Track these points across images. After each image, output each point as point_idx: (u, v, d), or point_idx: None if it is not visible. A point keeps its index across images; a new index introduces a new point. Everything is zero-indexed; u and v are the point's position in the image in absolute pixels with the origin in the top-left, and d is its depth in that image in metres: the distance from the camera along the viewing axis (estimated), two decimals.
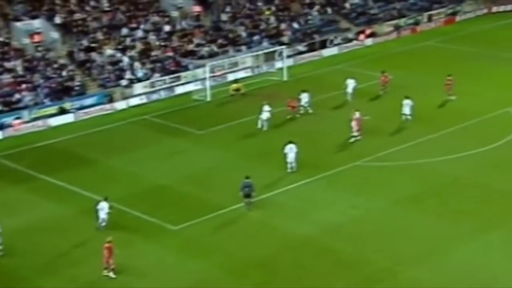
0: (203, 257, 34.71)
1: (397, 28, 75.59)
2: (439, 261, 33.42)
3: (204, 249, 35.40)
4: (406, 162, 44.04)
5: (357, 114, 47.18)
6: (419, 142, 46.86)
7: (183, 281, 32.77)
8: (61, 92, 55.91)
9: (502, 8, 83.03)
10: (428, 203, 39.04)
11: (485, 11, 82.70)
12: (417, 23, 77.30)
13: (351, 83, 55.07)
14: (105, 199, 37.19)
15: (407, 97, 49.89)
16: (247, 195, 38.42)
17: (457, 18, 79.95)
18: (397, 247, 34.78)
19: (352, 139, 46.86)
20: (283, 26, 70.85)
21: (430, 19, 78.25)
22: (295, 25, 71.79)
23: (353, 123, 46.93)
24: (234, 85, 57.82)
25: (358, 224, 37.25)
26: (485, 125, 49.06)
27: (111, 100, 56.48)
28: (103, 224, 36.90)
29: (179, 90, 59.50)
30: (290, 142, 42.71)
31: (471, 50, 67.96)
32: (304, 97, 52.22)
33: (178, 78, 60.54)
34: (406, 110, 49.63)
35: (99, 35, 62.11)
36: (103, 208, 36.86)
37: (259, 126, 49.65)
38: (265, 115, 49.55)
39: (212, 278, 32.95)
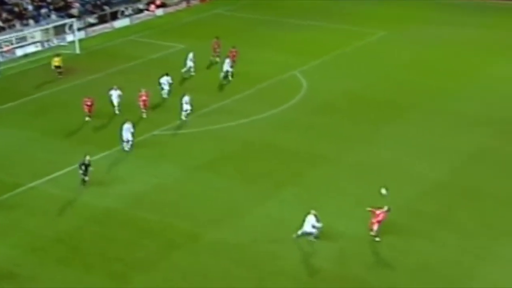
0: (0, 238, 33.79)
1: None
2: (239, 221, 34.88)
3: (0, 230, 34.45)
4: (202, 128, 45.15)
5: (143, 92, 46.69)
6: (213, 108, 48.14)
7: None
8: None
9: None
10: (225, 167, 40.33)
11: None
12: None
13: (190, 57, 53.97)
14: None
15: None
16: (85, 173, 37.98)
17: None
18: (197, 211, 35.77)
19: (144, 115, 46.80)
20: None
21: None
22: None
23: (141, 103, 46.48)
24: (56, 60, 54.22)
25: (159, 192, 37.83)
26: (274, 88, 51.25)
27: None
28: None
29: None
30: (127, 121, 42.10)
31: (259, 17, 70.39)
32: (165, 80, 49.22)
33: None
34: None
35: None
36: None
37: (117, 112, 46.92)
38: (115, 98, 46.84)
39: (11, 257, 32.18)
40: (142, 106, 46.49)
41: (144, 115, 46.54)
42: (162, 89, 49.19)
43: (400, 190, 36.48)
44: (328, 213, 35.10)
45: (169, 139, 43.98)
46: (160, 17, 71.93)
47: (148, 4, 72.99)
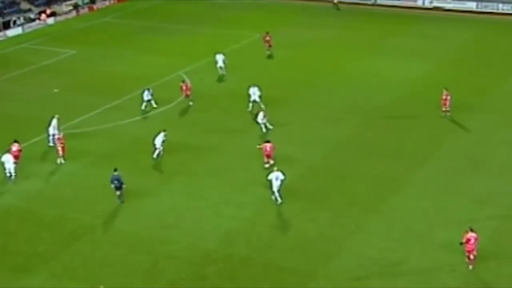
0: None
1: (76, 7, 74.22)
2: (134, 211, 34.13)
3: None
4: (96, 127, 43.90)
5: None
6: (106, 108, 46.92)
7: None
8: None
9: None
10: (119, 162, 39.12)
11: None
12: (94, 2, 76.50)
13: (220, 58, 52.11)
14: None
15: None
16: (118, 188, 34.64)
17: None
18: (95, 204, 34.74)
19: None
20: None
21: None
22: None
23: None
24: None
25: (57, 188, 36.56)
26: (161, 88, 50.35)
27: None
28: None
29: None
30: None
31: (143, 24, 69.09)
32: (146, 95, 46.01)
33: None
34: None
35: None
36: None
37: None
38: None
39: None
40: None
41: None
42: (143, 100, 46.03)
43: None
44: (214, 198, 35.04)
45: (66, 138, 42.38)
46: (51, 25, 69.46)
47: (39, 13, 70.35)
